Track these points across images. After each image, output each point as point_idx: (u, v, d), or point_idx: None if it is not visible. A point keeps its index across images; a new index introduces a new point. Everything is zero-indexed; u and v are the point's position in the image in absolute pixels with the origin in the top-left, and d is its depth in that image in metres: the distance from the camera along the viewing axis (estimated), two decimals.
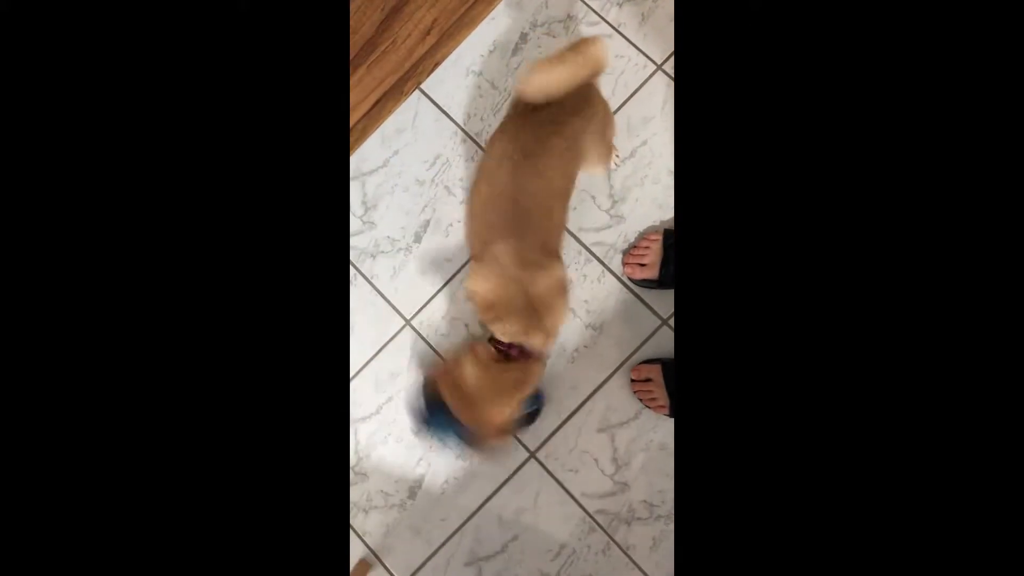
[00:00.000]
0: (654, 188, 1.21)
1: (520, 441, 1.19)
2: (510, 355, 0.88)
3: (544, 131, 0.86)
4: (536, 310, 0.86)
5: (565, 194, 0.90)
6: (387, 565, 1.21)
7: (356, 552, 1.22)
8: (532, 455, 1.18)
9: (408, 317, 1.24)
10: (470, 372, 0.85)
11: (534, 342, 0.87)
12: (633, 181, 1.21)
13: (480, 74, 1.27)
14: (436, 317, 1.24)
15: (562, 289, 0.89)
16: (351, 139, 1.30)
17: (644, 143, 1.21)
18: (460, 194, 1.25)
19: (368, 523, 1.22)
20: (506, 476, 1.19)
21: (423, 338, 1.23)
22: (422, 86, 1.28)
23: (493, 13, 1.27)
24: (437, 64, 1.28)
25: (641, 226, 1.20)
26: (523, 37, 1.26)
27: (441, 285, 1.24)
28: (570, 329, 1.20)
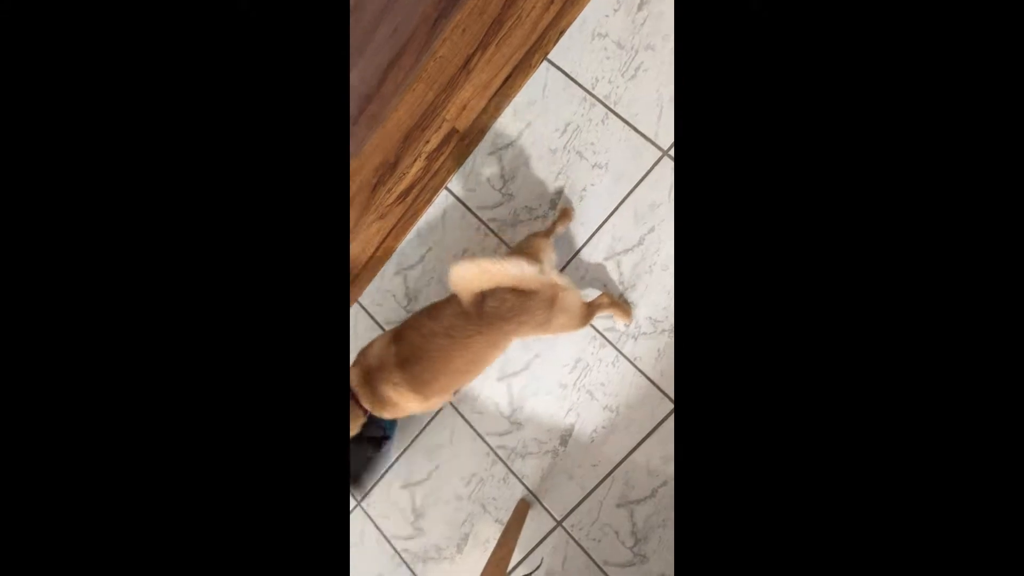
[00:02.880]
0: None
1: (660, 391, 1.24)
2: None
3: (470, 327, 1.00)
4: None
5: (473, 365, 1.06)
6: (545, 505, 1.34)
7: (516, 493, 1.37)
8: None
9: None
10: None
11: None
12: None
13: (606, 36, 1.27)
14: (576, 276, 1.30)
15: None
16: (486, 117, 1.39)
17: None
18: (591, 158, 1.29)
19: (525, 467, 1.36)
20: (652, 427, 1.25)
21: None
22: (549, 56, 1.32)
23: None
24: (562, 32, 1.31)
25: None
26: None
27: (572, 254, 1.30)
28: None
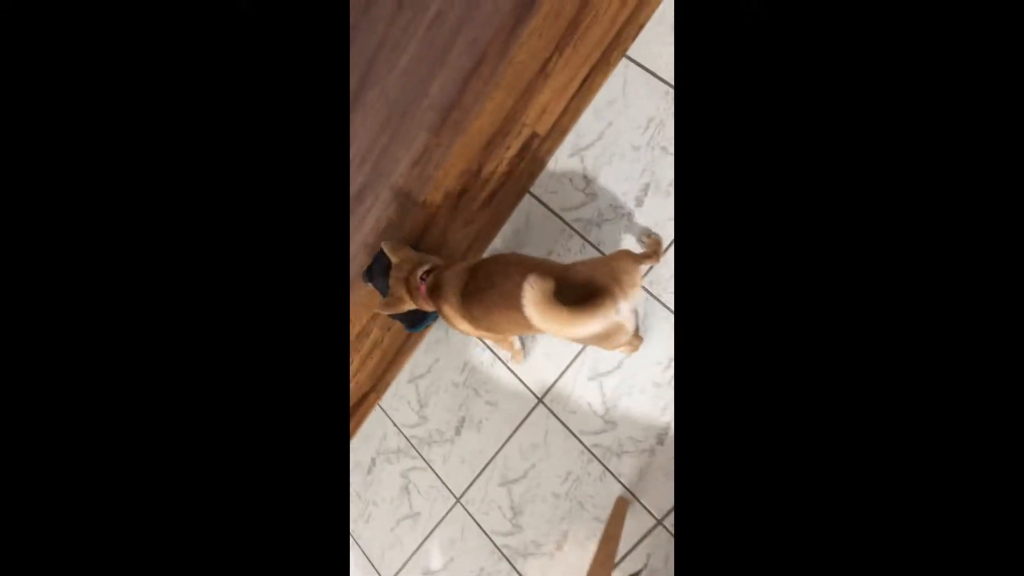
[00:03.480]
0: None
1: None
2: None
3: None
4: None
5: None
6: (643, 503, 1.33)
7: (613, 491, 1.37)
8: None
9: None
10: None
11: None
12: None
13: None
14: (665, 276, 1.29)
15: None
16: (566, 119, 1.40)
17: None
18: None
19: (622, 466, 1.36)
20: None
21: (654, 296, 1.30)
22: (628, 53, 1.31)
23: None
24: (641, 27, 1.29)
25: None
26: None
27: (667, 244, 1.28)
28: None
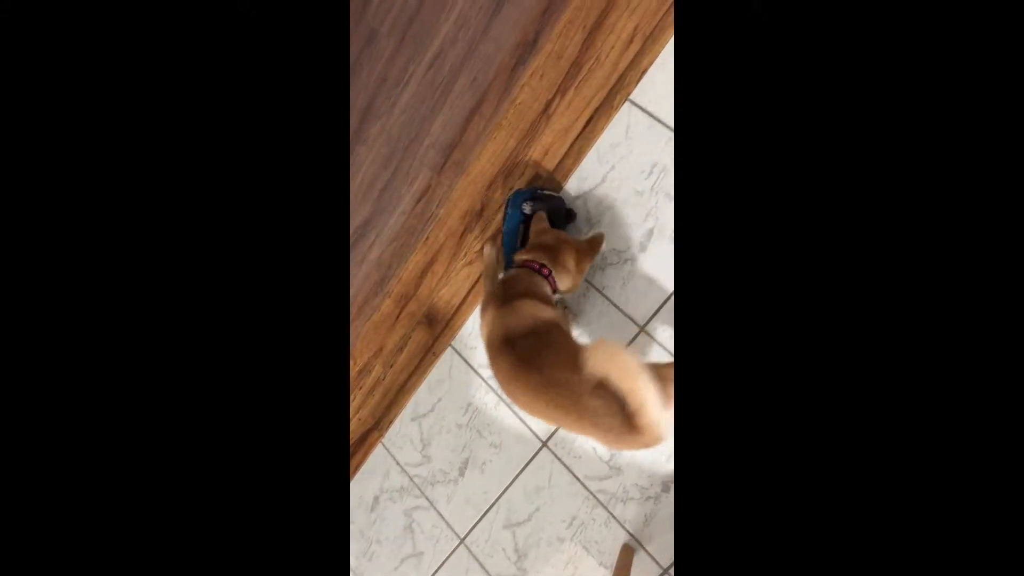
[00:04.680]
0: None
1: None
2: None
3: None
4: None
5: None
6: (649, 551, 1.32)
7: (619, 537, 1.36)
8: None
9: (642, 324, 1.30)
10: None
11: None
12: None
13: None
14: (672, 318, 1.28)
15: None
16: (569, 162, 1.39)
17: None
18: None
19: (627, 512, 1.35)
20: None
21: (659, 343, 1.28)
22: (631, 97, 1.30)
23: None
24: (643, 72, 1.28)
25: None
26: None
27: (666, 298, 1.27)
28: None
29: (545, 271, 1.17)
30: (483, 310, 1.16)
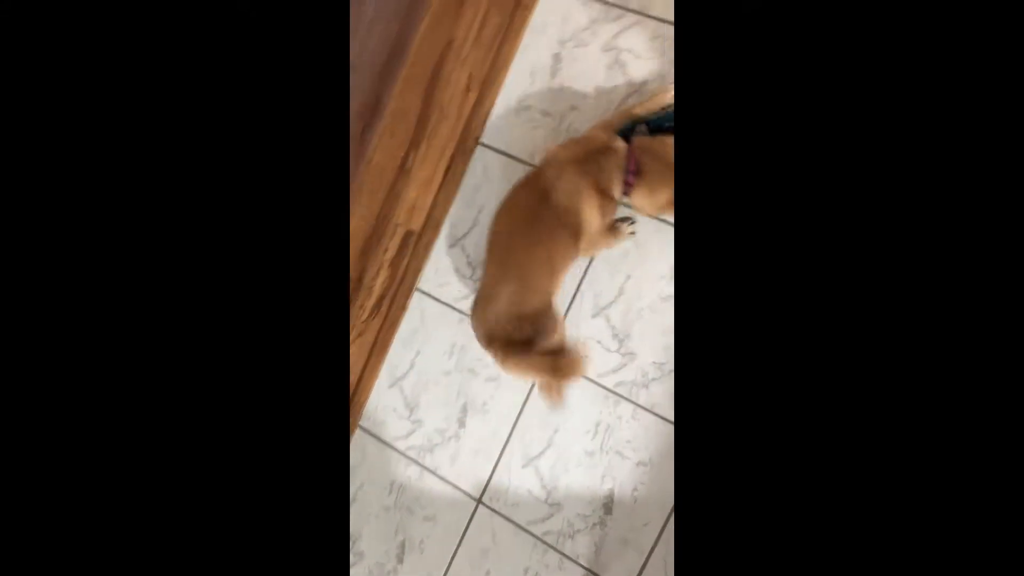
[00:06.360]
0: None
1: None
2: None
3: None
4: None
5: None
6: None
7: (576, 575, 1.31)
8: None
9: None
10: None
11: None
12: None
13: (530, 107, 1.30)
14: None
15: None
16: (437, 212, 1.39)
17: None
18: None
19: (578, 546, 1.30)
20: None
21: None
22: (482, 140, 1.34)
23: (521, 46, 1.30)
24: (488, 114, 1.33)
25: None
26: (556, 58, 1.28)
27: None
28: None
29: (631, 180, 1.05)
30: (564, 146, 1.12)
